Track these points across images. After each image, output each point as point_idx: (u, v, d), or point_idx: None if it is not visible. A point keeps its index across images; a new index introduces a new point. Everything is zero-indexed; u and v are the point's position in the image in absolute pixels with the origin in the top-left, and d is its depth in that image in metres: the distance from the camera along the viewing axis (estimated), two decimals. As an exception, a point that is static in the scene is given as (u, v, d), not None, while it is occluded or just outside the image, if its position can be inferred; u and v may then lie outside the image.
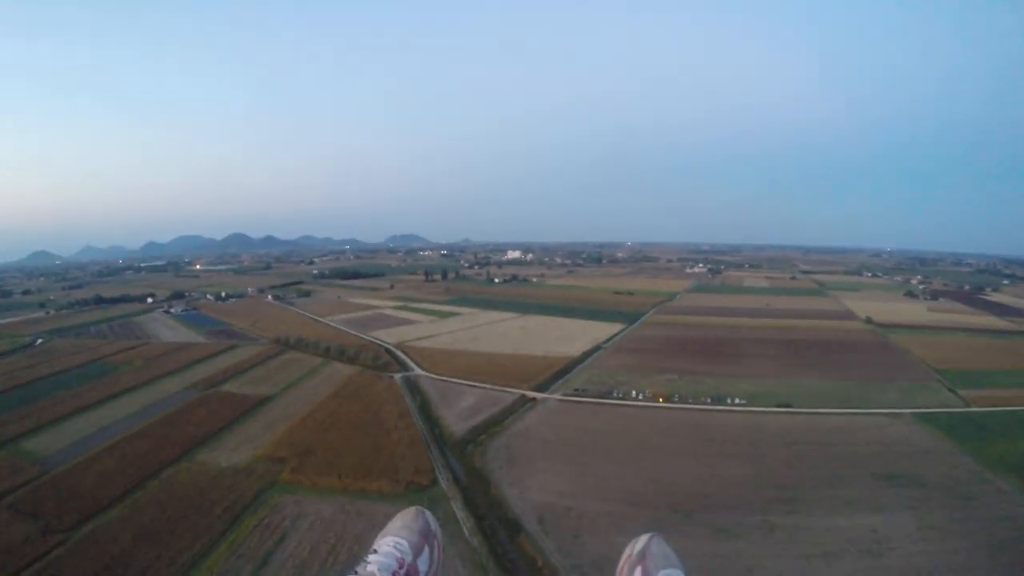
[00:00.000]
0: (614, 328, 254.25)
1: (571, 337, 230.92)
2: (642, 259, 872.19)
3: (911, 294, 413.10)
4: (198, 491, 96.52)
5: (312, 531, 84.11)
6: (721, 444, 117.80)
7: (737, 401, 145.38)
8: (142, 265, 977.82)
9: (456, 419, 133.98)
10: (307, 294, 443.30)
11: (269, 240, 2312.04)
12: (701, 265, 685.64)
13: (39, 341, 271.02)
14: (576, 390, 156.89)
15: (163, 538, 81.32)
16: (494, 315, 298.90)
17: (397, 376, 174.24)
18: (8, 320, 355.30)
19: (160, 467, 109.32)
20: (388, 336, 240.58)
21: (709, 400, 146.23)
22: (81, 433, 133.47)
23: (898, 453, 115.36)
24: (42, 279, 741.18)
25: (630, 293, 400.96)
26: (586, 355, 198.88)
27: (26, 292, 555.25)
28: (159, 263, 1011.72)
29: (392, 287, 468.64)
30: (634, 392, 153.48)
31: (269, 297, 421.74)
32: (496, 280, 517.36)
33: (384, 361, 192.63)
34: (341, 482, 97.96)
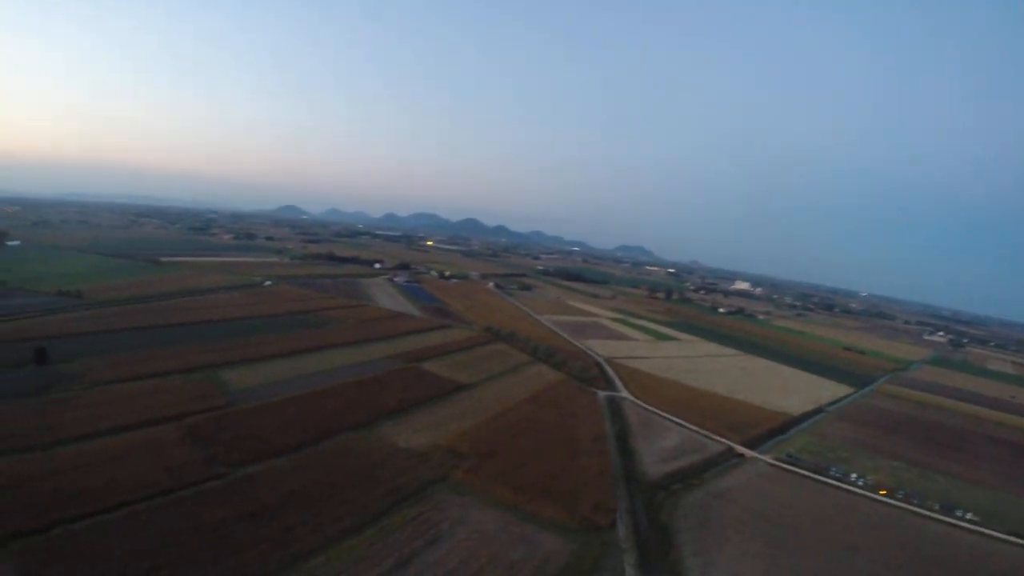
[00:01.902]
0: (841, 390, 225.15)
1: (792, 390, 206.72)
2: (877, 314, 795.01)
3: None
4: (368, 465, 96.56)
5: (467, 543, 78.47)
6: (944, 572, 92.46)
7: (968, 516, 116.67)
8: (379, 233, 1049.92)
9: (653, 458, 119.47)
10: (528, 288, 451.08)
11: (501, 230, 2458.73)
12: (941, 334, 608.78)
13: (267, 283, 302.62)
14: (789, 455, 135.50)
15: (317, 502, 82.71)
16: (713, 347, 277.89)
17: (601, 394, 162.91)
18: (246, 259, 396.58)
19: (339, 430, 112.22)
20: (600, 348, 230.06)
21: (937, 507, 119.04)
22: (276, 377, 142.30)
23: None
24: (286, 229, 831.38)
25: (862, 352, 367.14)
26: (806, 415, 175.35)
27: (269, 238, 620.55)
28: (394, 234, 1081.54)
29: (613, 297, 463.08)
30: (854, 475, 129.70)
31: (491, 284, 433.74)
32: (720, 310, 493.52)
33: (592, 375, 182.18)
34: (514, 496, 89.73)
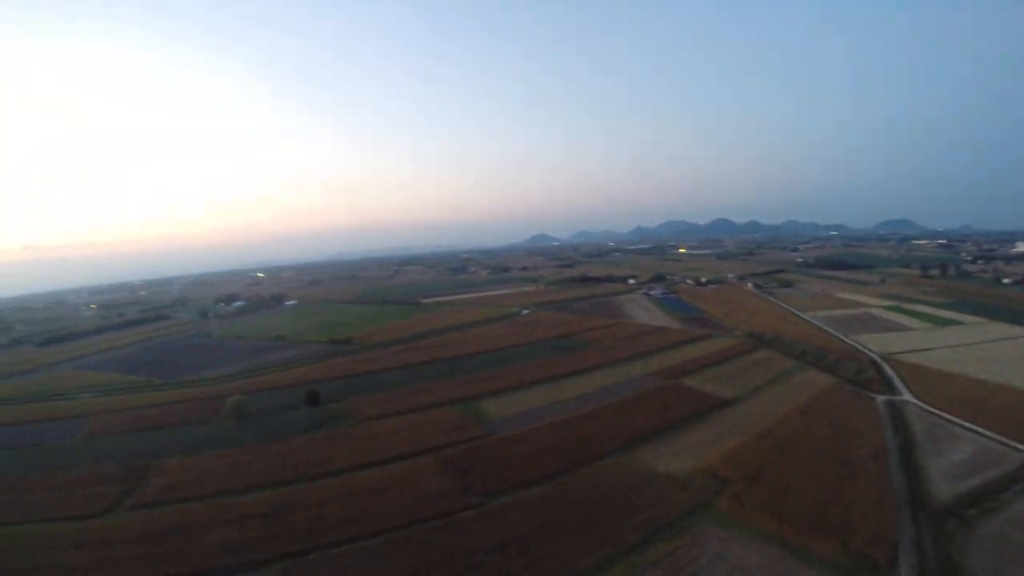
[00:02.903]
0: None
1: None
2: None
3: None
4: (624, 493, 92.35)
5: (725, 586, 69.68)
6: None
7: None
8: (629, 248, 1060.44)
9: (942, 475, 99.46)
10: (788, 284, 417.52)
11: (752, 225, 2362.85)
12: None
13: (524, 312, 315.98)
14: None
15: (568, 534, 79.56)
16: (1003, 328, 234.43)
17: (879, 399, 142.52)
18: (502, 291, 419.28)
19: (595, 456, 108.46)
20: (873, 343, 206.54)
21: None
22: (533, 404, 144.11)
23: None
24: (539, 258, 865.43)
25: None
26: None
27: (523, 269, 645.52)
28: (645, 246, 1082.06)
29: (882, 282, 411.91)
30: None
31: (749, 285, 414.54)
32: (1004, 280, 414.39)
33: (868, 376, 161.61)
34: (780, 527, 78.82)
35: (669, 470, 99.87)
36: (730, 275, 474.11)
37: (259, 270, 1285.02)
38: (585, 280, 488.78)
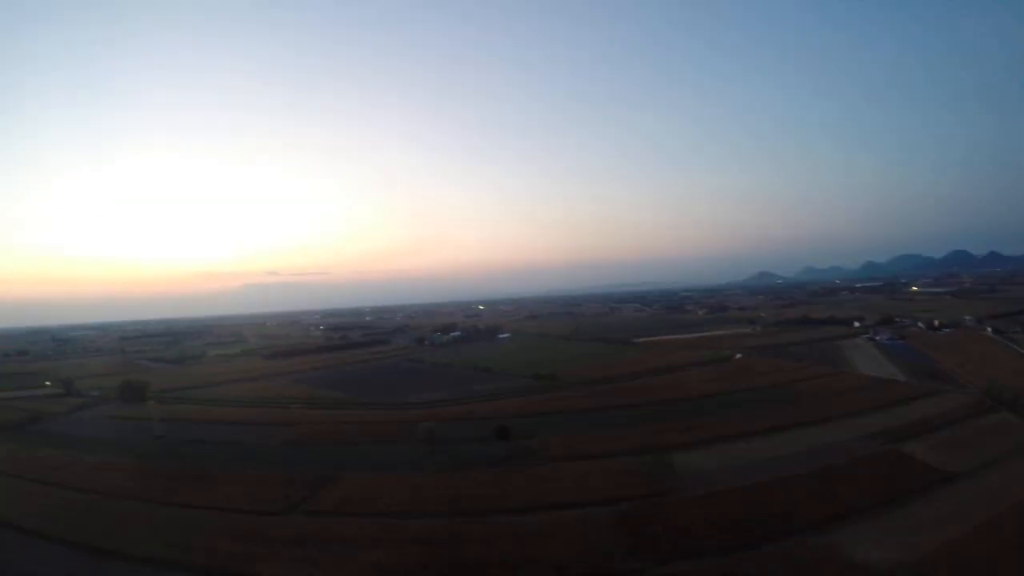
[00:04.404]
0: None
1: None
2: None
3: None
4: None
5: None
6: None
7: None
8: (857, 286, 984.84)
9: None
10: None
11: (992, 257, 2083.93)
12: None
13: (737, 356, 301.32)
14: None
15: None
16: None
17: None
18: (716, 332, 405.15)
19: (782, 533, 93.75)
20: None
21: None
22: (726, 461, 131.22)
23: None
24: (760, 297, 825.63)
25: None
26: None
27: (741, 308, 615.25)
28: (874, 284, 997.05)
29: None
30: None
31: (988, 330, 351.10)
32: None
33: None
34: None
35: (868, 560, 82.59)
36: (967, 317, 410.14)
37: (481, 302, 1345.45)
38: (806, 322, 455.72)
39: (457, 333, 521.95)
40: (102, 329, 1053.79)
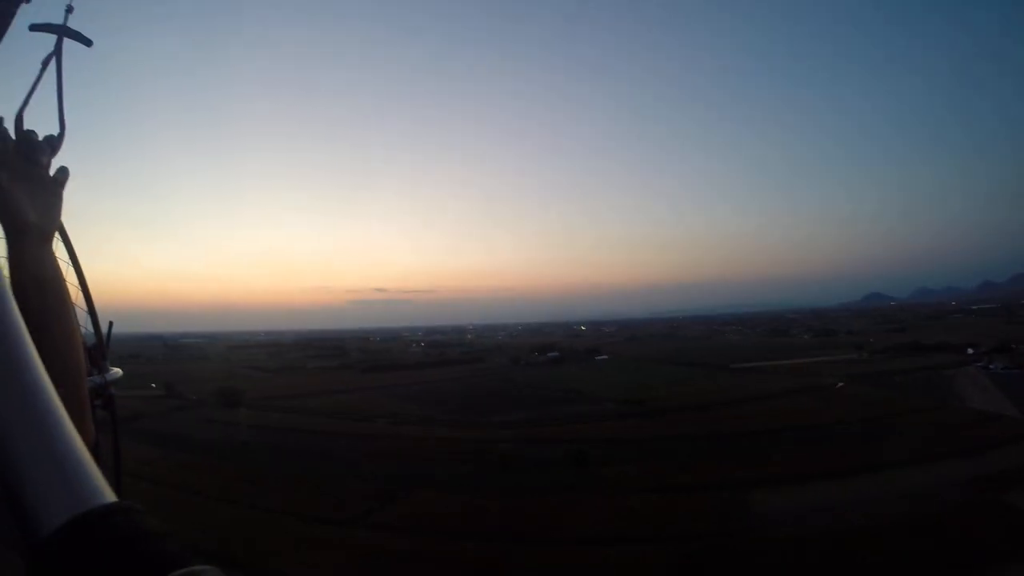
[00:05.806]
0: None
1: None
2: None
3: None
4: None
5: None
6: None
7: None
8: (973, 308, 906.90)
9: None
10: None
11: None
12: None
13: (839, 384, 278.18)
14: None
15: None
16: None
17: None
18: (820, 358, 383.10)
19: None
20: None
21: None
22: (809, 500, 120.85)
23: None
24: (870, 320, 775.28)
25: None
26: None
27: (849, 332, 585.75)
28: (991, 305, 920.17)
29: None
30: None
31: None
32: None
33: None
34: None
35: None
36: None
37: (584, 322, 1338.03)
38: (916, 348, 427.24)
39: (554, 354, 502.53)
40: (212, 338, 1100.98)
